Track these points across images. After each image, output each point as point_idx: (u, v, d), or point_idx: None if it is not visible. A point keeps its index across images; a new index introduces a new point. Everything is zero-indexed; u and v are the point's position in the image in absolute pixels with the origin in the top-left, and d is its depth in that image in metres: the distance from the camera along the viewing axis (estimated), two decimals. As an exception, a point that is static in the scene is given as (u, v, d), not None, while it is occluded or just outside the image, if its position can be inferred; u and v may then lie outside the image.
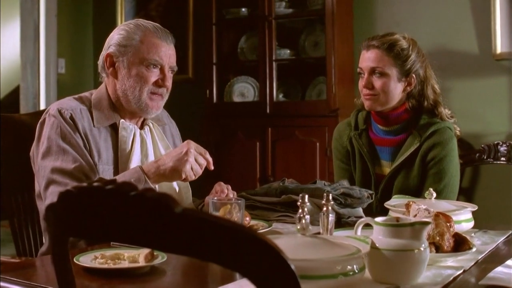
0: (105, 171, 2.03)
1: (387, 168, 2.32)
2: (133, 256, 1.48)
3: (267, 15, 4.29)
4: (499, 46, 3.89)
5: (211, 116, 4.52)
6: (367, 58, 2.26)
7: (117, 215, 0.92)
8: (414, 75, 2.28)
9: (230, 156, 4.45)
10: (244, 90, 4.56)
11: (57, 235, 1.08)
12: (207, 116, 4.54)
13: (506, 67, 3.88)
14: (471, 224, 1.80)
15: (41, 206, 2.05)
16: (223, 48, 4.64)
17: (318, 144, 4.20)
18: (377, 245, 1.34)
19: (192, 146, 1.92)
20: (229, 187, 2.06)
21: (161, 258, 1.48)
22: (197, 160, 1.92)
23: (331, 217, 1.51)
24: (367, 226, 1.44)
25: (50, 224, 1.08)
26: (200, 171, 1.94)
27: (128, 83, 2.05)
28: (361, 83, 2.30)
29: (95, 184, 0.94)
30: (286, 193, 2.05)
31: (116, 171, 2.05)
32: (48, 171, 1.95)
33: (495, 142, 2.55)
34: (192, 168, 1.90)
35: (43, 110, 2.30)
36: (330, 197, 1.52)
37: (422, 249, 1.34)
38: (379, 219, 1.39)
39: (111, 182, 0.93)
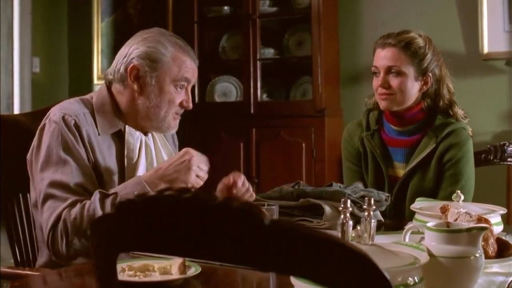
0: (109, 181, 1.91)
1: (401, 170, 2.26)
2: (164, 267, 1.38)
3: (251, 13, 4.20)
4: (486, 46, 3.88)
5: (193, 116, 4.39)
6: (383, 57, 2.20)
7: (195, 227, 0.83)
8: (430, 74, 2.22)
9: (213, 157, 4.30)
10: (226, 90, 4.47)
11: (107, 249, 0.98)
12: (189, 116, 4.40)
13: (493, 67, 3.87)
14: (501, 227, 1.75)
15: (37, 216, 1.93)
16: (204, 47, 4.54)
17: (304, 145, 4.13)
18: (432, 252, 1.27)
19: (194, 154, 1.86)
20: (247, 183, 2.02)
21: (194, 269, 1.39)
22: (200, 166, 1.85)
23: (374, 223, 1.43)
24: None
25: (98, 236, 0.98)
26: (205, 177, 1.89)
27: (155, 102, 1.94)
28: (376, 82, 2.23)
29: (168, 192, 0.84)
30: (304, 196, 1.97)
31: (122, 181, 1.93)
32: (46, 185, 1.83)
33: (502, 143, 2.51)
34: (197, 176, 1.85)
35: (40, 111, 2.17)
36: (372, 202, 1.44)
37: (478, 255, 1.28)
38: (431, 224, 1.32)
39: (186, 190, 0.83)
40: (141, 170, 1.97)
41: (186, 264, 1.40)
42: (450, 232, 1.28)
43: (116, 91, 2.00)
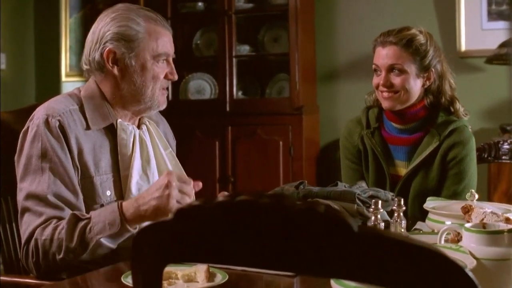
0: (104, 181, 1.83)
1: (402, 169, 2.22)
2: (188, 275, 1.31)
3: (227, 9, 4.13)
4: (464, 44, 3.90)
5: (167, 114, 4.28)
6: (385, 55, 2.15)
7: (274, 236, 0.76)
8: (433, 69, 2.20)
9: (188, 156, 4.25)
10: (200, 87, 4.39)
11: (156, 259, 0.90)
12: (162, 114, 4.32)
13: (471, 65, 3.89)
14: (515, 226, 1.72)
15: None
16: (177, 43, 4.44)
17: (281, 143, 4.08)
18: (474, 254, 1.23)
19: (173, 177, 1.68)
20: None
21: (221, 277, 1.31)
22: (183, 190, 1.68)
23: (404, 224, 1.39)
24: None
25: (145, 245, 0.90)
26: (189, 201, 1.70)
27: (140, 82, 1.85)
28: (377, 80, 2.18)
29: (241, 198, 0.77)
30: (311, 196, 1.91)
31: (117, 179, 1.85)
32: (23, 197, 1.75)
33: (496, 140, 2.50)
34: (179, 202, 1.66)
35: (27, 108, 2.07)
36: (402, 202, 1.40)
37: (518, 257, 1.24)
38: (469, 225, 1.28)
39: (262, 195, 0.77)
40: (136, 168, 1.88)
41: (210, 270, 1.33)
42: (491, 233, 1.24)
43: (98, 81, 1.90)
